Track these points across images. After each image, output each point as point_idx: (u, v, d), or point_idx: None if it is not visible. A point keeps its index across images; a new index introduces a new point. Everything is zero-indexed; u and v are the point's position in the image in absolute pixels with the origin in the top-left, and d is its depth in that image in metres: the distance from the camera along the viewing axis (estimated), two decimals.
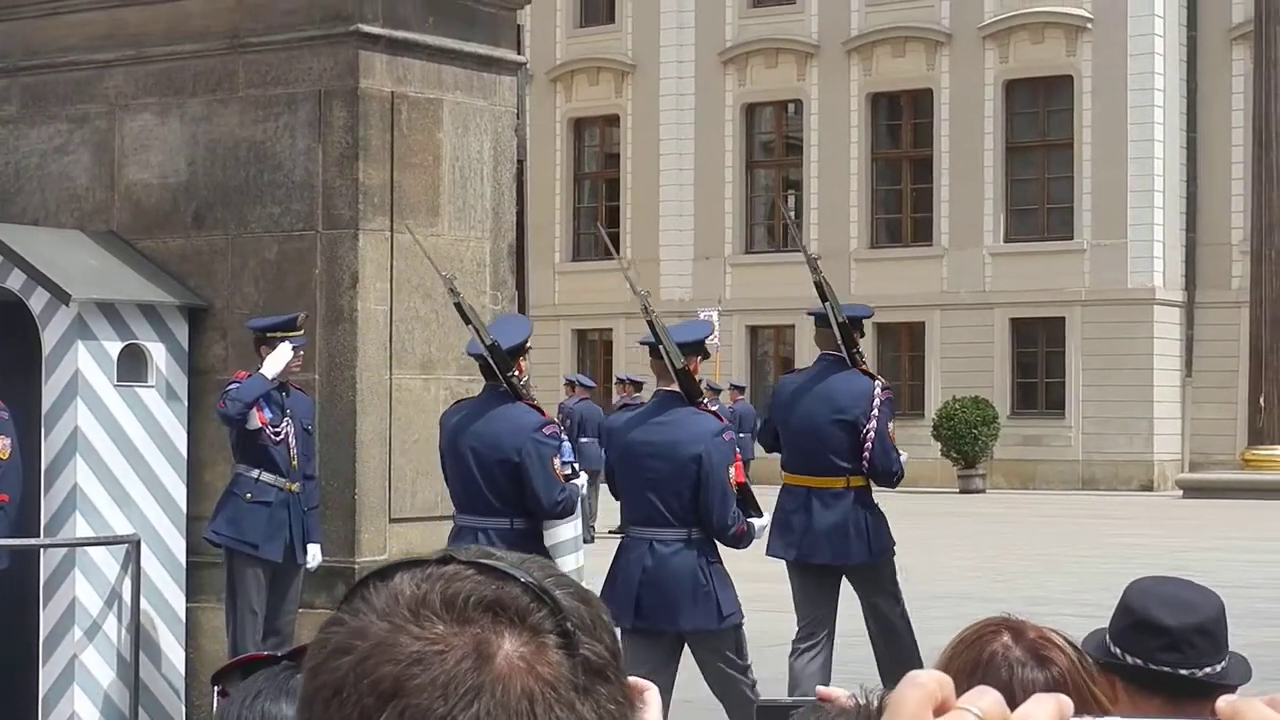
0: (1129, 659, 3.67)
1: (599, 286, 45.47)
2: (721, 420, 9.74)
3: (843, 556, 10.57)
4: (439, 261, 10.47)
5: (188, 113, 11.57)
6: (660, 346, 9.67)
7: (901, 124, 44.17)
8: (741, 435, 31.32)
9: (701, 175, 45.08)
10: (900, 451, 10.87)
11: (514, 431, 9.62)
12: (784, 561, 10.89)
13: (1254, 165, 38.64)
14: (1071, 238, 41.34)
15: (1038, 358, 41.26)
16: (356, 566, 11.08)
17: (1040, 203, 42.38)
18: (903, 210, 43.83)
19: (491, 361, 9.74)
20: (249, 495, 10.84)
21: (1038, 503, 34.48)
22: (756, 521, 9.64)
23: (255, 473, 10.87)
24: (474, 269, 11.69)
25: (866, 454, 10.52)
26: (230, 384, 10.83)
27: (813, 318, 11.13)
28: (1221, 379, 41.07)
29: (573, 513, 9.73)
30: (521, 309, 12.33)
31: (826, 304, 10.77)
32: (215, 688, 2.72)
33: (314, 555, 10.94)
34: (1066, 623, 3.34)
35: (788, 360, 44.33)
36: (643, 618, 9.43)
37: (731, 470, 9.42)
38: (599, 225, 41.92)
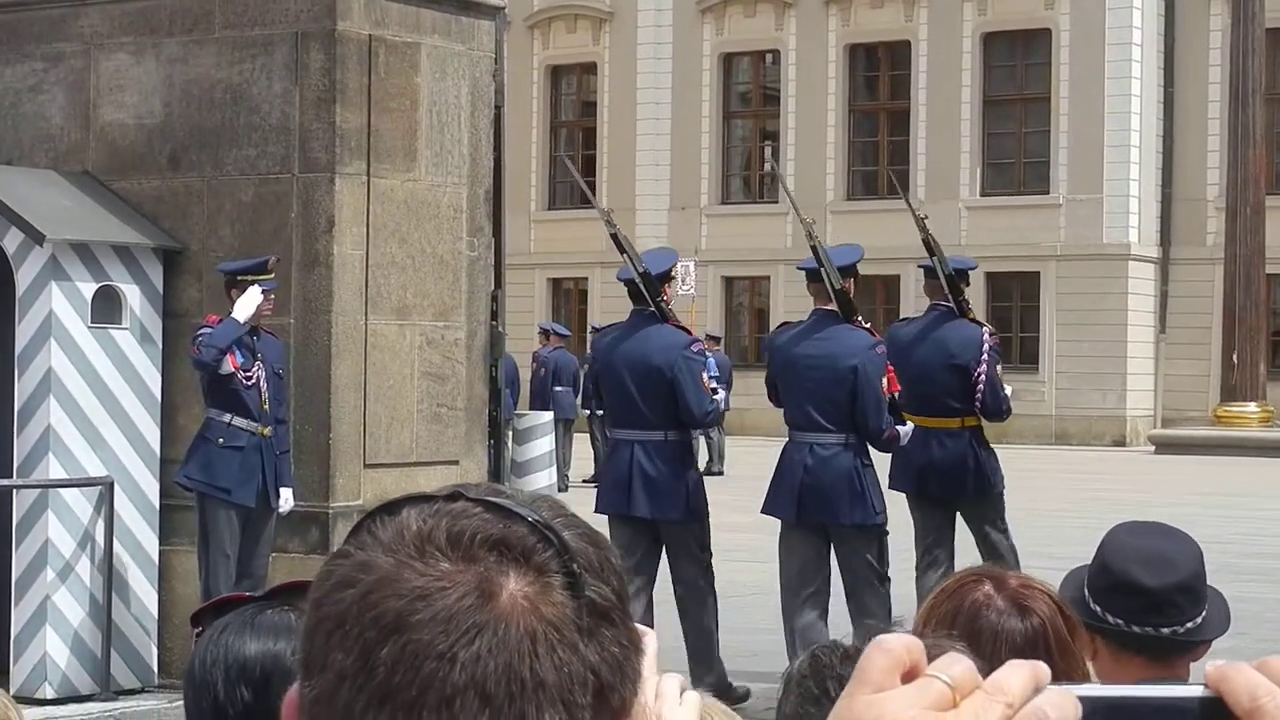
0: (1110, 619, 3.63)
1: (575, 235, 45.36)
2: (875, 335, 10.70)
3: (957, 490, 11.39)
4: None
5: (164, 53, 11.49)
6: (821, 270, 10.54)
7: (879, 76, 44.08)
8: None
9: (678, 125, 44.96)
10: (1006, 388, 11.73)
11: (665, 349, 10.53)
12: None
13: (1230, 121, 38.64)
14: (1047, 192, 41.34)
15: (1012, 312, 41.26)
16: (330, 511, 11.07)
17: (1017, 157, 42.34)
18: (879, 162, 43.75)
19: (643, 287, 10.65)
20: (221, 440, 10.75)
21: (1010, 457, 34.39)
22: (902, 429, 10.58)
23: (227, 417, 10.77)
24: (450, 215, 11.65)
25: (979, 395, 11.37)
26: (201, 328, 10.75)
27: (921, 270, 12.03)
28: (1195, 335, 41.14)
29: (718, 423, 10.78)
30: (497, 256, 12.29)
31: (934, 258, 11.63)
32: (194, 628, 2.71)
33: (286, 499, 10.87)
34: (1038, 576, 3.32)
35: (762, 311, 44.32)
36: (803, 512, 10.45)
37: (884, 381, 10.39)
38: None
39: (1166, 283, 41.88)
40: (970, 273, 12.30)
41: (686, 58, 44.92)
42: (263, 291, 10.71)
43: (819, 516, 10.44)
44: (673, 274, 11.01)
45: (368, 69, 11.15)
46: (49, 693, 10.80)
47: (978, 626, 3.12)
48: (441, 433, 11.61)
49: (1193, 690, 1.05)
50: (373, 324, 11.26)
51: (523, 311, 40.09)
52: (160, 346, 11.28)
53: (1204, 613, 3.69)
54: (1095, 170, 40.94)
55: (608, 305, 43.18)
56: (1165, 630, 3.62)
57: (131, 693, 11.08)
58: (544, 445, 22.96)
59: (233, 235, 11.30)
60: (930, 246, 11.62)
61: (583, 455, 28.48)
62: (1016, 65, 42.56)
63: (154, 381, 11.21)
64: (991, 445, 11.73)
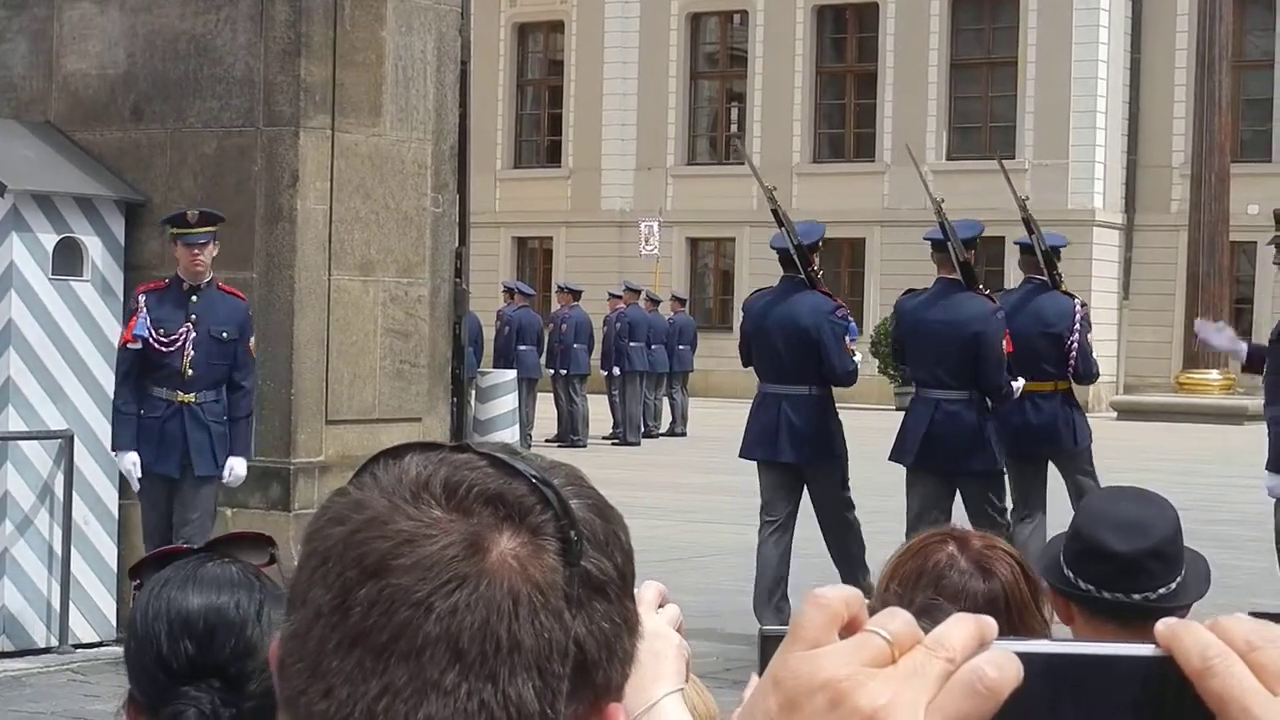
0: (1082, 585, 3.62)
1: (539, 194, 45.30)
2: (995, 301, 11.83)
3: (1052, 446, 12.51)
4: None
5: (128, 3, 11.41)
6: (948, 242, 11.82)
7: (846, 38, 44.03)
8: (681, 348, 31.29)
9: (645, 85, 44.87)
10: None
11: (812, 313, 11.52)
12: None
13: (1196, 88, 38.69)
14: (1013, 157, 41.35)
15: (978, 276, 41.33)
16: (291, 467, 11.03)
17: (983, 121, 42.36)
18: (845, 125, 43.75)
19: (796, 256, 11.62)
20: (141, 411, 10.41)
21: None
22: (1015, 384, 11.77)
23: (145, 385, 10.42)
24: (415, 170, 11.60)
25: (1072, 361, 12.54)
26: (136, 297, 10.52)
27: (1017, 246, 13.24)
28: (1158, 302, 41.24)
29: (855, 381, 11.80)
30: (462, 213, 12.24)
31: (1033, 236, 12.88)
32: (133, 581, 2.69)
33: (232, 468, 10.49)
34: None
35: (727, 273, 44.31)
36: (927, 459, 11.53)
37: (1004, 343, 11.49)
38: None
39: (1130, 249, 41.96)
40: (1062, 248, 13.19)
41: (654, 17, 44.82)
42: (186, 245, 10.37)
43: (945, 464, 11.50)
44: (819, 244, 11.96)
45: (333, 22, 11.08)
46: (6, 645, 10.77)
47: (940, 587, 3.11)
48: (404, 390, 11.58)
49: (1142, 649, 1.03)
50: (336, 279, 11.21)
51: (487, 270, 39.98)
52: (122, 299, 11.21)
53: (1179, 578, 3.66)
54: (1061, 135, 40.98)
55: (572, 265, 43.13)
56: (1136, 596, 3.60)
57: (89, 646, 11.04)
58: (507, 403, 22.93)
59: (195, 188, 11.23)
60: (1030, 226, 12.78)
61: (546, 414, 28.47)
62: (984, 29, 42.55)
63: (115, 334, 11.14)
64: (1079, 405, 12.93)
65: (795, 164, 43.16)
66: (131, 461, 10.38)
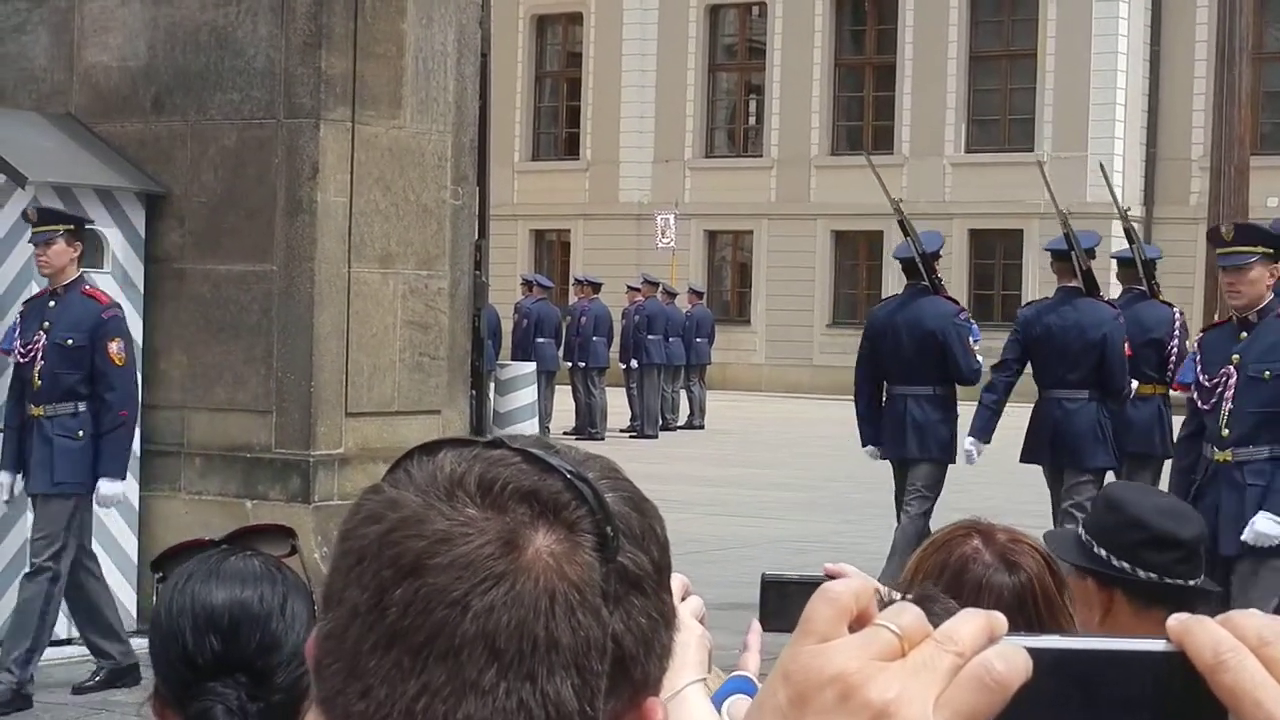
0: (1141, 573, 3.66)
1: (558, 186, 45.27)
2: (1115, 307, 12.43)
3: (1148, 446, 12.97)
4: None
5: None
6: (1072, 252, 12.37)
7: (866, 30, 43.97)
8: (699, 340, 31.27)
9: (663, 77, 44.83)
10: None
11: (937, 316, 12.28)
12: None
13: (1216, 81, 38.55)
14: (1032, 149, 41.29)
15: (995, 269, 41.26)
16: (311, 460, 11.04)
17: (1002, 114, 42.28)
18: (864, 118, 43.68)
19: (921, 264, 12.33)
20: (1, 425, 10.02)
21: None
22: (1131, 385, 12.39)
23: (12, 401, 9.97)
24: (435, 163, 11.60)
25: (1171, 367, 12.88)
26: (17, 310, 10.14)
27: (1115, 260, 13.91)
28: (1177, 295, 40.87)
29: (979, 380, 12.35)
30: (482, 206, 12.25)
31: (1133, 246, 13.52)
32: (155, 574, 2.69)
33: (98, 489, 9.81)
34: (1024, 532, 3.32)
35: (745, 266, 44.26)
36: (1055, 458, 12.15)
37: (1125, 346, 12.14)
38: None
39: (1149, 242, 41.84)
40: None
41: (672, 9, 44.77)
42: (33, 243, 9.92)
43: (1066, 462, 12.10)
44: (940, 253, 12.81)
45: (354, 14, 11.08)
46: None
47: (964, 580, 3.11)
48: (424, 382, 11.59)
49: (1154, 644, 1.03)
50: (356, 272, 11.21)
51: (505, 262, 39.92)
52: (142, 291, 11.23)
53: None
54: (1080, 128, 40.90)
55: (590, 257, 43.11)
56: (1192, 581, 3.71)
57: None
58: (527, 396, 22.95)
59: (216, 180, 11.24)
60: (1130, 236, 13.52)
61: (564, 407, 28.47)
62: (1003, 21, 42.47)
63: (135, 326, 11.16)
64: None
65: (814, 156, 43.11)
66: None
